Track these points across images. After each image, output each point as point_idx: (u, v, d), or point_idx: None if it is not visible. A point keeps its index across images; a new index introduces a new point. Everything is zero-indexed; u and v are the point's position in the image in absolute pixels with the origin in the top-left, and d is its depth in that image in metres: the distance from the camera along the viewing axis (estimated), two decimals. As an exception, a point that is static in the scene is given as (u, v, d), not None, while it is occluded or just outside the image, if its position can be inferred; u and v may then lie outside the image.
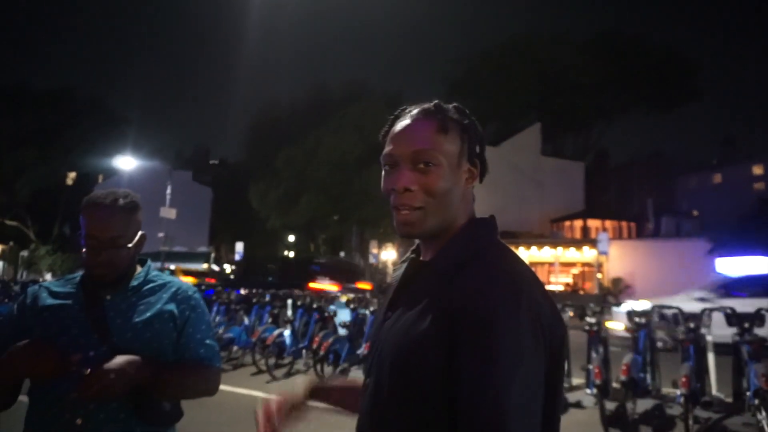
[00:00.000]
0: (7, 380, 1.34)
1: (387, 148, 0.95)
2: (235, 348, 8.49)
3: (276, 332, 7.74)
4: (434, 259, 0.93)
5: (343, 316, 8.32)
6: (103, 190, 1.49)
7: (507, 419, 0.73)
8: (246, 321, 9.07)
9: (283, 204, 27.64)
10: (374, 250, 28.25)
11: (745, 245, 19.54)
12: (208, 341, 1.57)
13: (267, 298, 9.84)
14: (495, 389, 0.74)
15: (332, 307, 8.76)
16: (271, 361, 7.53)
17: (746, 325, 5.51)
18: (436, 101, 0.97)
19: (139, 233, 1.51)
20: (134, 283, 1.51)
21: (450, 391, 0.78)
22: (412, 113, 0.96)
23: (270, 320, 8.73)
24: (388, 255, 30.43)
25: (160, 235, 19.40)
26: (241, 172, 39.28)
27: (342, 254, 34.22)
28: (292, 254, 39.81)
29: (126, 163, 23.32)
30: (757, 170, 43.53)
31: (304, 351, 8.02)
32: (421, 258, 0.99)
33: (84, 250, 1.43)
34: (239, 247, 33.07)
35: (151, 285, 1.54)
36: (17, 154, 29.99)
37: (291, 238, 39.56)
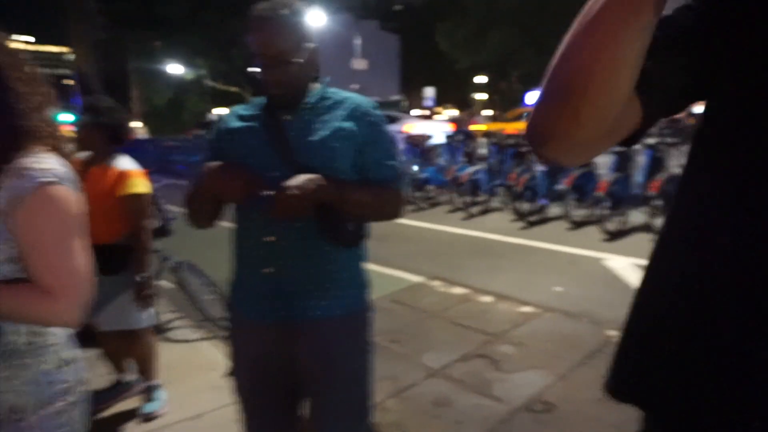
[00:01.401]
0: (205, 203, 1.41)
1: None
2: (430, 187, 8.75)
3: (470, 169, 7.70)
4: None
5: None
6: (266, 2, 1.36)
7: None
8: (441, 161, 9.19)
9: (472, 42, 26.27)
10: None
11: None
12: (390, 162, 1.45)
13: (460, 137, 9.75)
14: None
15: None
16: (467, 198, 7.60)
17: None
18: None
19: (310, 46, 1.38)
20: (310, 100, 1.42)
21: None
22: None
23: (465, 159, 8.70)
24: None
25: (354, 86, 20.17)
26: (428, 13, 37.87)
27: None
28: (483, 96, 38.65)
29: (314, 17, 23.96)
30: None
31: (500, 188, 7.91)
32: None
33: (259, 71, 1.36)
34: (429, 92, 33.02)
35: (328, 102, 1.43)
36: (231, 23, 32.75)
37: (482, 79, 38.12)
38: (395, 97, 33.49)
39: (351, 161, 1.39)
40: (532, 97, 21.84)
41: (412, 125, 13.64)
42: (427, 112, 30.09)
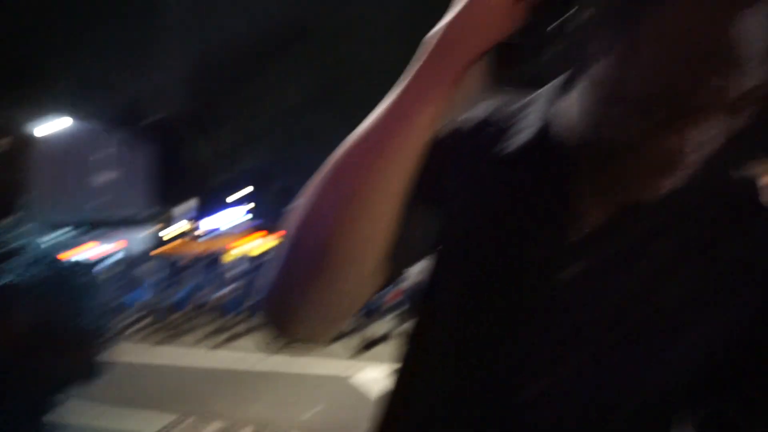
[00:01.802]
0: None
1: (684, 75, 0.46)
2: (181, 311, 8.15)
3: (225, 290, 7.43)
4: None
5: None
6: None
7: None
8: (195, 282, 8.70)
9: (235, 153, 26.62)
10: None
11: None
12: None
13: (214, 255, 9.46)
14: None
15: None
16: (223, 321, 7.25)
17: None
18: None
19: None
20: None
21: None
22: None
23: (219, 280, 8.38)
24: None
25: (97, 201, 18.44)
26: (186, 124, 37.44)
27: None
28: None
29: (56, 125, 21.75)
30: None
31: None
32: None
33: None
34: (190, 205, 31.92)
35: None
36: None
37: (247, 190, 38.59)
38: (149, 212, 31.51)
39: None
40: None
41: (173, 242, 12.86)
42: (188, 227, 28.82)
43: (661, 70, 0.46)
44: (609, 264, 0.57)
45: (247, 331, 7.34)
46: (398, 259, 0.58)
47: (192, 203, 32.11)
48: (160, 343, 7.04)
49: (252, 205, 30.62)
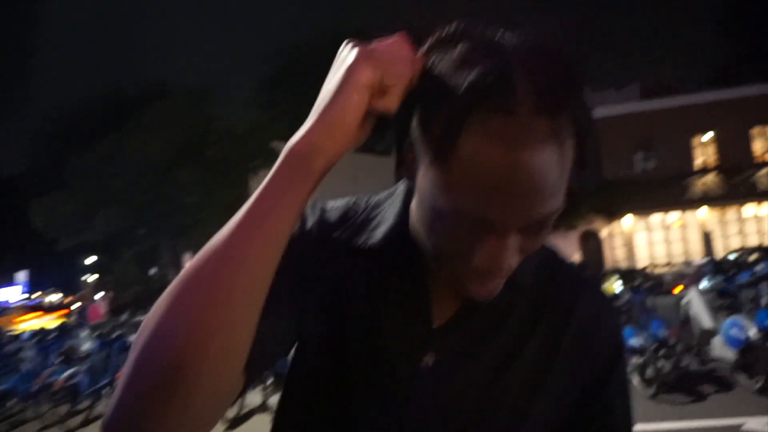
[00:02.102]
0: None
1: (481, 206, 0.51)
2: (11, 402, 6.98)
3: (67, 373, 6.52)
4: (525, 282, 0.65)
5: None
6: None
7: None
8: (28, 366, 7.55)
9: (76, 220, 24.20)
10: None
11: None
12: None
13: (53, 334, 8.33)
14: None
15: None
16: (63, 409, 6.31)
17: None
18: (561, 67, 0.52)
19: None
20: None
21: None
22: (537, 123, 0.49)
23: (60, 359, 7.36)
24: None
25: None
26: (21, 187, 33.67)
27: (153, 270, 31.35)
28: (94, 278, 35.23)
29: None
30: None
31: (104, 390, 6.88)
32: None
33: None
34: (22, 276, 28.23)
35: None
36: None
37: (91, 259, 35.00)
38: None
39: None
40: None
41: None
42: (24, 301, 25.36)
43: (466, 196, 0.51)
44: (459, 353, 0.63)
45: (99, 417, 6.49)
46: (257, 365, 0.56)
47: (24, 274, 28.41)
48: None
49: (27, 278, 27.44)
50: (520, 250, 0.55)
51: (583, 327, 0.65)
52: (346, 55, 0.54)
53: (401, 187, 0.70)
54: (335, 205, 0.71)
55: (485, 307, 0.62)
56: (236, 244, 0.50)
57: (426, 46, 0.57)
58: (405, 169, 0.59)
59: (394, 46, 0.55)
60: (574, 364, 0.64)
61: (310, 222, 0.68)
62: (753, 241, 21.28)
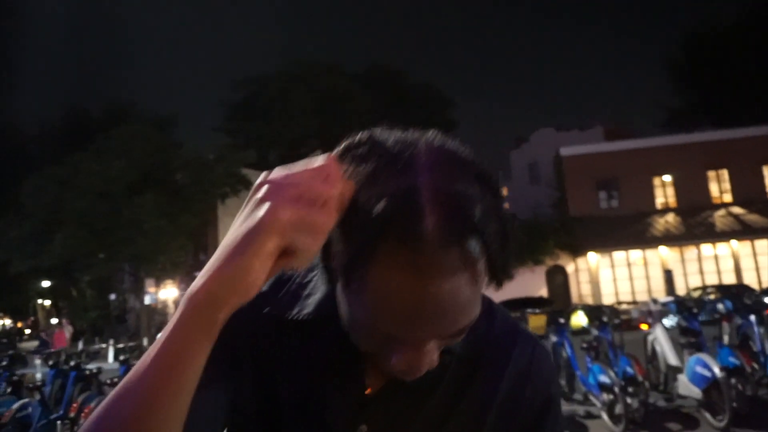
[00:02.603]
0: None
1: (393, 327, 0.53)
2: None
3: (17, 404, 6.14)
4: (463, 348, 0.65)
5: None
6: None
7: None
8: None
9: (30, 244, 23.27)
10: (151, 289, 25.47)
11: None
12: None
13: (3, 362, 7.89)
14: None
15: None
16: (11, 443, 5.93)
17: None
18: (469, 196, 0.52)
19: None
20: None
21: None
22: (444, 253, 0.50)
23: (9, 389, 6.95)
24: (169, 293, 27.85)
25: None
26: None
27: (113, 296, 30.29)
28: (47, 302, 33.81)
29: None
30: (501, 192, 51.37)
31: (59, 423, 6.51)
32: None
33: None
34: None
35: None
36: None
37: (45, 283, 33.64)
38: None
39: None
40: None
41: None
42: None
43: (378, 319, 0.52)
44: (391, 421, 0.64)
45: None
46: None
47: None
48: None
49: None
50: (439, 348, 0.57)
51: (514, 379, 0.67)
52: (256, 205, 0.50)
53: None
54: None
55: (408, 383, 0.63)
56: (147, 393, 0.50)
57: (336, 153, 0.57)
58: (326, 271, 0.60)
59: (317, 186, 0.51)
60: (506, 418, 0.66)
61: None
62: (712, 280, 22.01)
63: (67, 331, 20.38)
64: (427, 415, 0.64)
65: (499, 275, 0.54)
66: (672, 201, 24.28)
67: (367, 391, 0.64)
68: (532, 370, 0.68)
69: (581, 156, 25.12)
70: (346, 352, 0.63)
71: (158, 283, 26.09)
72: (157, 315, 26.04)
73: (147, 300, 24.82)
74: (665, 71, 35.99)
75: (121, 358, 7.19)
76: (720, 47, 31.64)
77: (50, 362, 7.59)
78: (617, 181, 24.39)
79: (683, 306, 6.65)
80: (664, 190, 24.50)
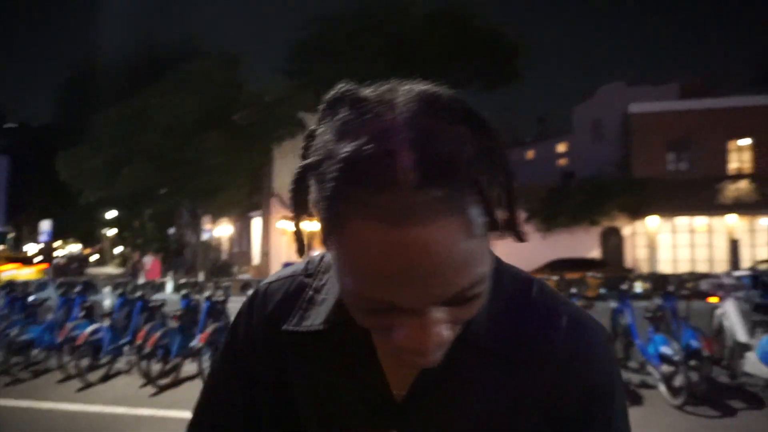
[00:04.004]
0: None
1: (379, 291, 0.47)
2: (35, 351, 7.08)
3: (90, 328, 6.57)
4: (484, 340, 0.60)
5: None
6: None
7: None
8: (51, 317, 7.64)
9: (102, 175, 24.42)
10: (208, 226, 26.44)
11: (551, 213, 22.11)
12: None
13: (77, 288, 8.40)
14: None
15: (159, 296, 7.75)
16: (84, 362, 6.38)
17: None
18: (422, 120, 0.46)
19: None
20: None
21: None
22: (421, 193, 0.44)
23: (83, 314, 7.44)
24: (224, 230, 28.87)
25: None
26: (49, 137, 34.07)
27: (171, 230, 31.68)
28: (113, 232, 35.73)
29: None
30: (561, 148, 49.47)
31: (126, 347, 6.95)
32: None
33: None
34: (45, 225, 28.71)
35: None
36: None
37: (111, 213, 35.50)
38: (-1, 229, 27.85)
39: None
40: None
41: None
42: (39, 248, 25.73)
43: (361, 279, 0.47)
44: (423, 426, 0.60)
45: (124, 372, 6.58)
46: None
47: (48, 223, 28.90)
48: (6, 389, 6.02)
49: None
50: (451, 321, 0.49)
51: (555, 373, 0.60)
52: None
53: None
54: (279, 281, 0.70)
55: (445, 372, 0.58)
56: None
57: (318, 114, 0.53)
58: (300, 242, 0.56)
59: None
60: (549, 416, 0.60)
61: (253, 316, 0.69)
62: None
63: (158, 263, 21.27)
64: (459, 418, 0.59)
65: (502, 227, 0.48)
66: (747, 167, 22.73)
67: (395, 394, 0.60)
68: (576, 363, 0.60)
69: (652, 114, 23.67)
70: (365, 357, 0.60)
71: (214, 221, 27.05)
72: (211, 251, 27.11)
73: (204, 236, 25.86)
74: (756, 25, 32.95)
75: (182, 292, 7.51)
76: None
77: (118, 291, 8.02)
78: (689, 142, 22.95)
79: (759, 282, 6.28)
80: (740, 155, 22.92)
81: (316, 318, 0.64)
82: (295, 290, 0.67)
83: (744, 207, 21.35)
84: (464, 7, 33.57)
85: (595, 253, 22.42)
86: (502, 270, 0.64)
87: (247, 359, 0.67)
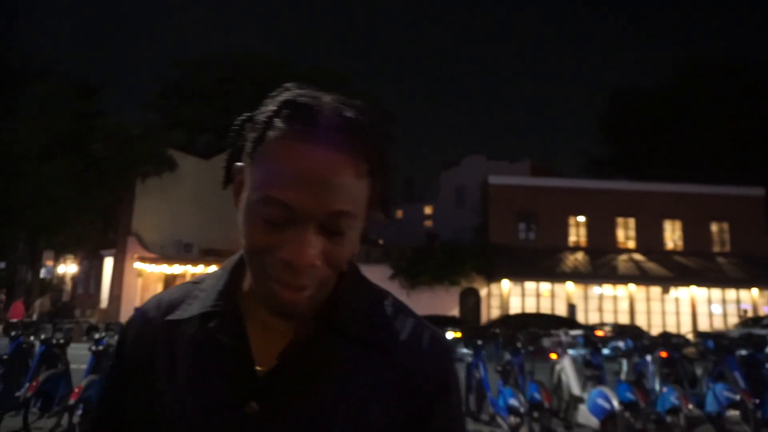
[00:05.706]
0: None
1: (284, 191, 0.59)
2: None
3: None
4: (345, 324, 0.68)
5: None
6: None
7: None
8: None
9: None
10: (49, 262, 23.63)
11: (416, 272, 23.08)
12: None
13: None
14: None
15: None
16: None
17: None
18: (360, 108, 0.64)
19: None
20: None
21: None
22: (331, 132, 0.61)
23: None
24: (67, 269, 26.00)
25: None
26: None
27: (1, 265, 27.79)
28: None
29: None
30: (428, 210, 52.29)
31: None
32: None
33: None
34: None
35: None
36: None
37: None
38: None
39: None
40: None
41: None
42: None
43: (272, 183, 0.59)
44: (283, 398, 0.65)
45: None
46: None
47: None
48: None
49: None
50: (323, 253, 0.61)
51: (406, 363, 0.68)
52: None
53: (233, 258, 0.74)
54: (169, 290, 0.77)
55: (308, 351, 0.65)
56: None
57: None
58: (234, 186, 0.69)
59: None
60: (398, 401, 0.67)
61: (128, 333, 0.75)
62: (609, 318, 23.55)
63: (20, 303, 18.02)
64: (318, 394, 0.65)
65: (381, 192, 0.65)
66: (583, 240, 25.81)
67: (259, 370, 0.65)
68: (425, 356, 0.69)
69: (507, 186, 26.20)
70: (236, 336, 0.66)
71: (57, 257, 24.28)
72: (51, 290, 24.16)
73: (43, 273, 23.00)
74: (593, 120, 38.41)
75: (12, 333, 6.59)
76: (640, 107, 34.28)
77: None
78: (536, 215, 25.62)
79: (589, 340, 7.06)
80: (577, 230, 26.00)
81: (196, 308, 0.70)
82: (183, 293, 0.75)
83: (579, 276, 24.08)
84: (341, 71, 34.89)
85: (455, 311, 23.64)
86: (366, 280, 0.75)
87: (125, 356, 0.73)
